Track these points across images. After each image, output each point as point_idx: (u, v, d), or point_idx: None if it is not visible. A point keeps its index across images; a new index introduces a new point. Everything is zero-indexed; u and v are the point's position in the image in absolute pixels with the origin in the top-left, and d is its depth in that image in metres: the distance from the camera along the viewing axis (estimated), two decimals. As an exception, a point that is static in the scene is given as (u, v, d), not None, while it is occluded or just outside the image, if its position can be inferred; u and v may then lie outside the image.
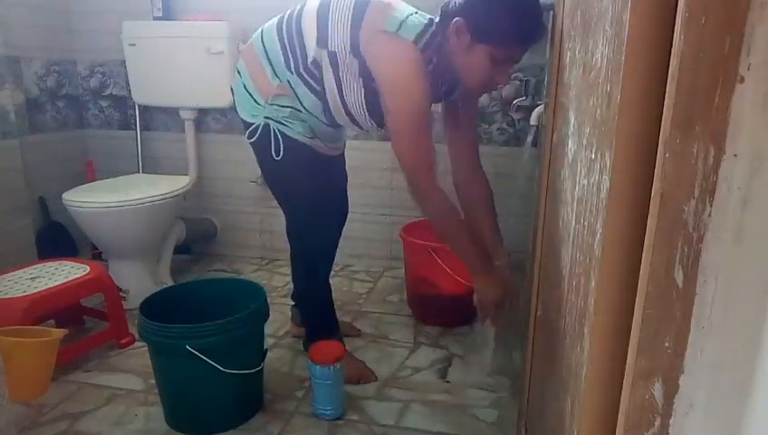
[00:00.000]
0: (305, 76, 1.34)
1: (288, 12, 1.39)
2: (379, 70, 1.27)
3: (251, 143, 1.43)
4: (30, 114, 2.23)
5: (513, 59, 1.25)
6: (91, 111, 2.53)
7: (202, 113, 2.40)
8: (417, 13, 1.30)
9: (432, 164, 1.29)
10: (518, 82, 2.12)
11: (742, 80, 0.35)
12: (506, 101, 2.15)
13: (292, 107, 1.37)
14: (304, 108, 1.38)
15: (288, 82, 1.36)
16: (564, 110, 0.77)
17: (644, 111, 0.41)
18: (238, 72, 1.44)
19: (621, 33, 0.43)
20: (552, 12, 1.09)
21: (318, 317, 1.60)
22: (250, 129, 1.40)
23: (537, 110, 1.41)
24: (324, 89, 1.35)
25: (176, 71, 2.21)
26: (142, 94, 2.31)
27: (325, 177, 1.48)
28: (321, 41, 1.30)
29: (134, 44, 2.21)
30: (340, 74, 1.32)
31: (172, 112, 2.41)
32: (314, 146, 1.43)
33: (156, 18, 2.27)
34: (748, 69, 0.35)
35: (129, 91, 2.33)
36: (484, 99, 2.17)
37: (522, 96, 2.06)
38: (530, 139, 1.56)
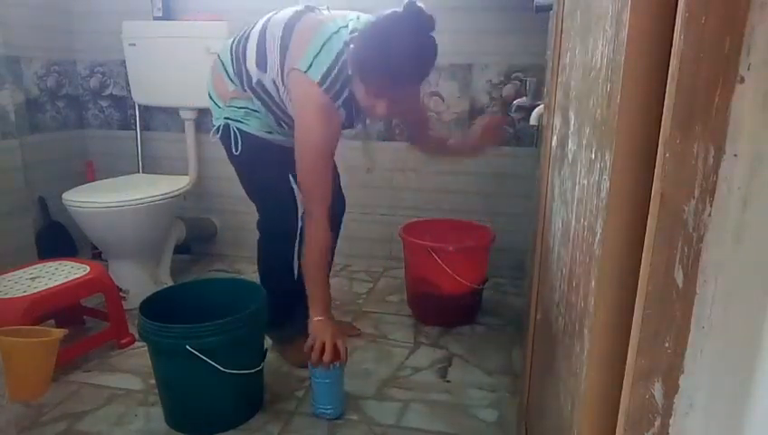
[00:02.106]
0: (254, 92, 1.44)
1: (244, 29, 1.48)
2: (292, 106, 1.38)
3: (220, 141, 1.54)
4: (30, 114, 2.23)
5: (385, 96, 1.27)
6: (91, 111, 2.53)
7: (202, 113, 2.39)
8: (346, 26, 1.33)
9: (327, 198, 1.38)
10: (518, 83, 2.12)
11: (742, 80, 0.35)
12: (506, 101, 2.15)
13: (246, 108, 1.46)
14: (260, 110, 1.47)
15: (243, 88, 1.45)
16: (564, 110, 0.77)
17: (644, 111, 0.41)
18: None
19: (621, 33, 0.43)
20: (551, 12, 1.09)
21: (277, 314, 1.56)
22: (214, 129, 1.52)
23: (537, 110, 1.41)
24: (276, 101, 1.43)
25: (176, 71, 2.21)
26: (142, 94, 2.31)
27: (290, 170, 1.48)
28: (261, 65, 1.40)
29: (134, 44, 2.21)
30: (283, 96, 1.41)
31: (172, 112, 2.41)
32: (274, 140, 1.50)
33: (156, 18, 2.27)
34: (748, 69, 0.35)
35: (129, 91, 2.33)
36: (484, 99, 2.17)
37: (522, 96, 2.06)
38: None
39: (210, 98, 1.54)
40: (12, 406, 1.38)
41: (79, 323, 1.83)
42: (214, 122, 1.54)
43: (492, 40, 2.11)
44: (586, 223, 0.54)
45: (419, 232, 1.95)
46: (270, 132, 1.50)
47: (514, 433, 1.31)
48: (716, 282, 0.39)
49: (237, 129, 1.47)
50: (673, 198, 0.38)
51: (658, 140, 0.39)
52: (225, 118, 1.49)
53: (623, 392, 0.44)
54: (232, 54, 1.47)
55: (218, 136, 1.51)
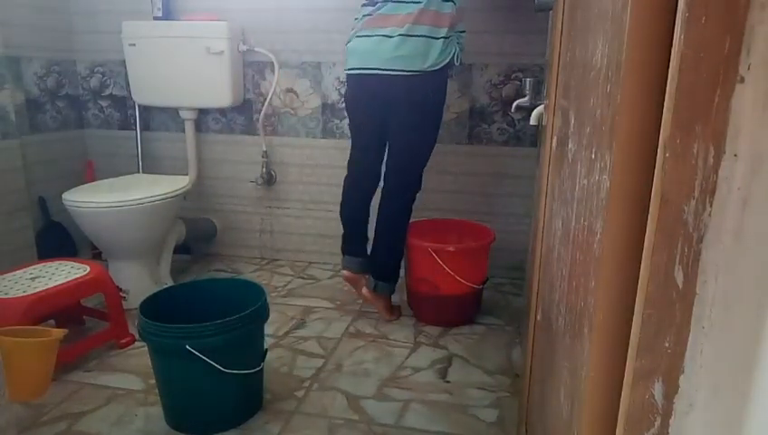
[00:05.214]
0: None
1: None
2: None
3: (432, 74, 1.65)
4: (30, 114, 2.23)
5: None
6: (91, 111, 2.53)
7: (202, 113, 2.40)
8: None
9: None
10: (518, 83, 2.12)
11: (742, 80, 0.35)
12: (506, 101, 2.15)
13: (464, 29, 1.72)
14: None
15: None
16: (564, 110, 0.77)
17: (644, 111, 0.41)
18: (404, 36, 1.62)
19: (621, 33, 0.43)
20: (551, 11, 1.09)
21: (397, 259, 1.86)
22: (441, 63, 1.64)
23: (537, 110, 1.41)
24: None
25: (176, 71, 2.21)
26: (142, 94, 2.31)
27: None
28: None
29: (134, 44, 2.21)
30: None
31: (172, 112, 2.41)
32: None
33: (156, 18, 2.27)
34: (748, 69, 0.35)
35: (129, 91, 2.33)
36: (484, 99, 2.18)
37: (522, 96, 2.06)
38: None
39: (424, 37, 1.61)
40: (12, 406, 1.38)
41: (79, 323, 1.83)
42: (434, 60, 1.62)
43: (492, 40, 2.11)
44: (586, 223, 0.54)
45: (420, 232, 1.95)
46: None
47: (514, 433, 1.31)
48: (716, 282, 0.39)
49: (457, 55, 1.67)
50: (673, 198, 0.38)
51: (658, 140, 0.39)
52: (458, 43, 1.67)
53: (623, 392, 0.44)
54: None
55: (440, 66, 1.64)
